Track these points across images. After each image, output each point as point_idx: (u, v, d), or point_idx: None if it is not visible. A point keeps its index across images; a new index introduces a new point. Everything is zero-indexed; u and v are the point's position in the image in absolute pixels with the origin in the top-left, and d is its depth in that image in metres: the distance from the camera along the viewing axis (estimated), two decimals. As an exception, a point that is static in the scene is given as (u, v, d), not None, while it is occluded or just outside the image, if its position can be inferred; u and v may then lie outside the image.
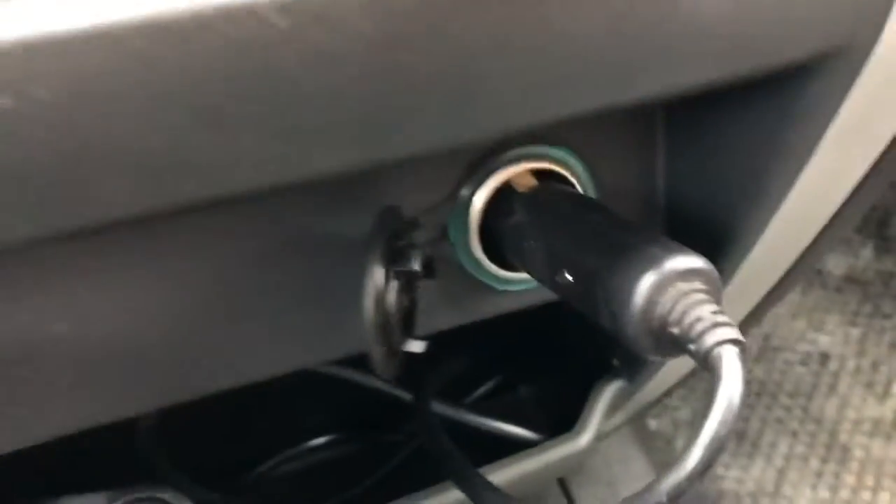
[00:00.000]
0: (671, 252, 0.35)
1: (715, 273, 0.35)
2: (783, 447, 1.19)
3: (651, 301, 0.34)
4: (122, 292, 0.39)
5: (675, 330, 0.34)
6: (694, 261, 0.35)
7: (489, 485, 0.39)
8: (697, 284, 0.35)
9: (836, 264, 1.48)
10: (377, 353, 0.36)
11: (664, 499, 0.32)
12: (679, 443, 1.22)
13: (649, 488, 0.32)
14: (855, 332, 1.36)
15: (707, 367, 0.33)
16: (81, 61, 0.23)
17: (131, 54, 0.23)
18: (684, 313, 0.34)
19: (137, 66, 0.23)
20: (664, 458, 1.16)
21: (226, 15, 0.24)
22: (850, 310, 1.42)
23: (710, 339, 0.32)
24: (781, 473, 1.16)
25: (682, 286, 0.34)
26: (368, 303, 0.35)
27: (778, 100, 0.38)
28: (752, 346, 1.36)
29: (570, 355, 0.66)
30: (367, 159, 0.28)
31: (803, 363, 1.30)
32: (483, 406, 0.68)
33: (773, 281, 0.49)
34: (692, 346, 0.33)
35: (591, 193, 0.46)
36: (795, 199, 0.41)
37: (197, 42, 0.24)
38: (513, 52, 0.27)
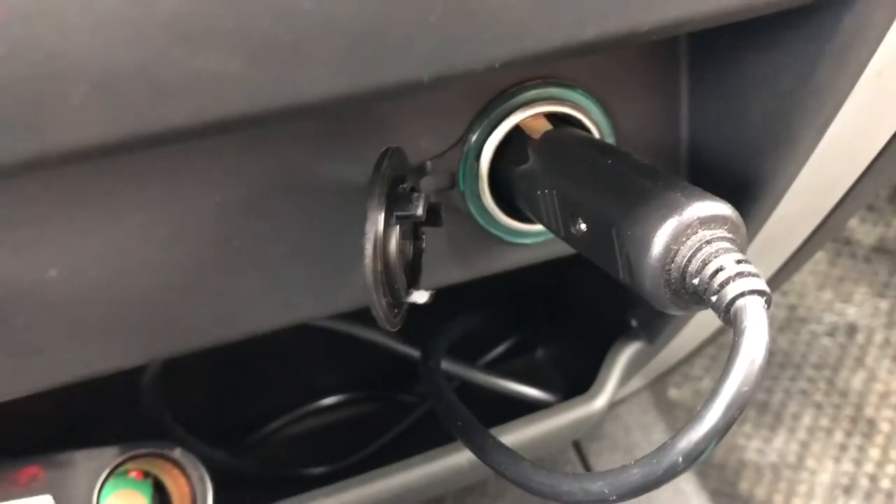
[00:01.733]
0: (693, 197, 0.32)
1: (740, 220, 0.33)
2: (807, 419, 1.17)
3: (670, 249, 0.32)
4: (114, 237, 0.37)
5: (696, 280, 0.32)
6: (717, 206, 0.32)
7: (498, 443, 0.37)
8: (721, 232, 0.32)
9: (865, 234, 1.44)
10: (378, 302, 0.34)
11: (679, 459, 0.30)
12: (700, 411, 1.21)
13: (663, 448, 0.30)
14: (884, 304, 1.33)
15: (728, 321, 0.30)
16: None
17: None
18: (705, 262, 0.31)
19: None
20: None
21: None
22: (879, 281, 1.39)
23: (732, 290, 0.30)
24: (804, 446, 1.15)
25: (704, 233, 0.32)
26: (368, 248, 0.33)
27: (810, 36, 0.35)
28: (778, 316, 1.33)
29: (587, 316, 0.64)
30: (351, 87, 0.25)
31: (829, 334, 1.27)
32: (497, 367, 0.66)
33: (801, 238, 0.47)
34: (713, 298, 0.31)
35: (609, 140, 0.43)
36: (827, 148, 0.38)
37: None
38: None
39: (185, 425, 0.60)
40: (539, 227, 0.44)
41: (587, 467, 0.81)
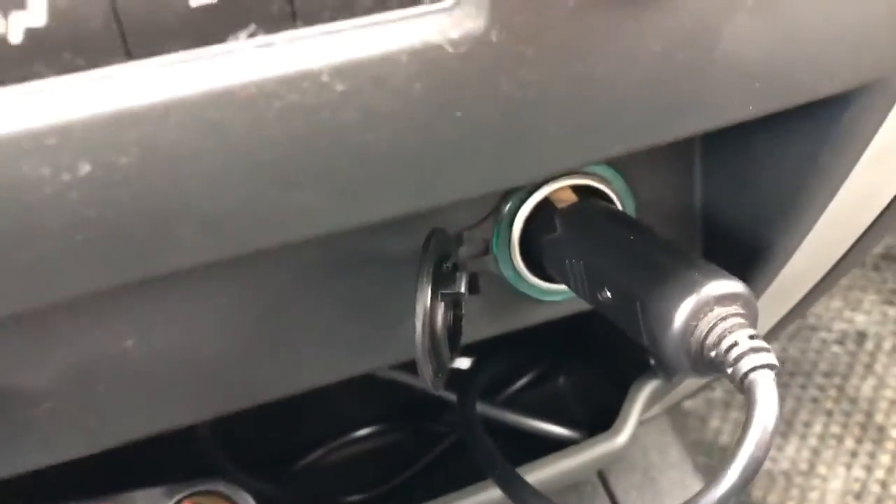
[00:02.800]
0: (710, 277, 0.36)
1: (752, 297, 0.37)
2: (818, 426, 1.19)
3: (690, 325, 0.36)
4: (184, 311, 0.41)
5: (713, 353, 0.35)
6: (732, 285, 0.36)
7: (533, 490, 0.41)
8: (735, 308, 0.36)
9: (873, 243, 1.45)
10: (427, 372, 0.38)
11: (703, 514, 0.34)
12: (713, 423, 1.23)
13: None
14: (892, 312, 1.34)
15: (743, 391, 0.34)
16: (158, 130, 0.25)
17: (204, 123, 0.25)
18: (721, 337, 0.35)
19: (209, 134, 0.25)
20: (698, 437, 1.17)
21: (287, 82, 0.25)
22: (887, 288, 1.40)
23: (746, 364, 0.34)
24: (815, 453, 1.17)
25: (720, 310, 0.36)
26: (419, 326, 0.37)
27: (814, 124, 0.38)
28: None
29: (607, 350, 0.68)
30: (419, 206, 0.29)
31: (839, 342, 1.29)
32: (521, 400, 0.70)
33: (805, 291, 0.50)
34: (729, 370, 0.35)
35: (630, 209, 0.47)
36: (829, 218, 0.42)
37: (262, 108, 0.25)
38: (558, 105, 0.28)
39: (230, 459, 0.64)
40: (565, 287, 0.48)
41: (606, 487, 0.85)
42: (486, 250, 0.47)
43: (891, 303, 1.37)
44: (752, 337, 0.35)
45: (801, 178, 0.40)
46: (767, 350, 0.34)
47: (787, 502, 1.15)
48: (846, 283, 1.40)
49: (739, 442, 0.33)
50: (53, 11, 0.23)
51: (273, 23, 0.24)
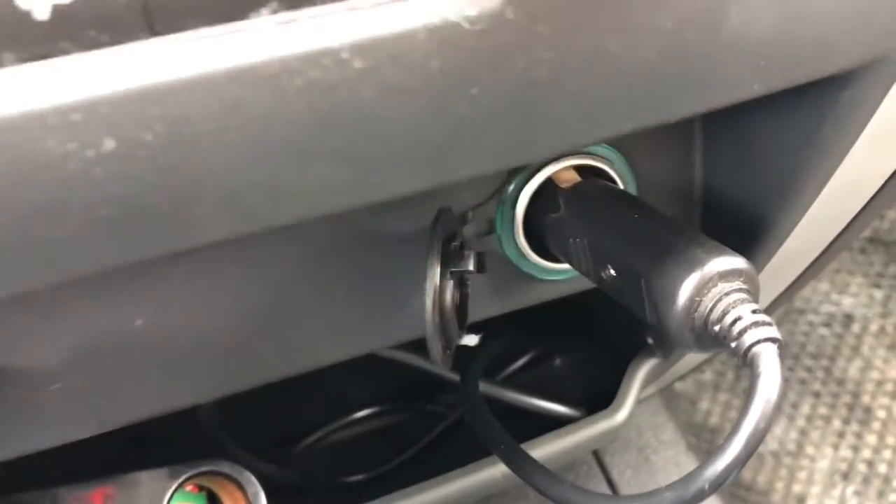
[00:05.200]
0: (713, 253, 0.37)
1: (754, 272, 0.37)
2: (805, 408, 1.21)
3: (694, 300, 0.37)
4: (193, 290, 0.42)
5: (717, 328, 0.36)
6: (734, 261, 0.37)
7: (540, 466, 0.42)
8: (737, 284, 0.37)
9: (860, 226, 1.46)
10: (437, 349, 0.38)
11: (706, 486, 0.35)
12: (703, 404, 1.24)
13: (692, 476, 0.35)
14: (878, 294, 1.36)
15: (746, 364, 0.35)
16: (181, 106, 0.25)
17: (227, 99, 0.25)
18: (725, 312, 0.36)
19: (233, 110, 0.25)
20: (688, 419, 1.18)
21: (309, 59, 0.26)
22: (874, 271, 1.41)
23: (749, 338, 0.35)
24: (804, 433, 1.18)
25: (724, 286, 0.37)
26: (428, 303, 0.37)
27: (813, 104, 0.39)
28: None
29: (604, 330, 0.69)
30: (435, 182, 0.30)
31: (826, 325, 1.31)
32: (520, 380, 0.71)
33: (803, 267, 0.51)
34: (732, 344, 0.35)
35: (631, 187, 0.48)
36: (827, 196, 0.43)
37: (283, 85, 0.26)
38: (571, 82, 0.29)
39: (232, 439, 0.65)
40: (568, 266, 0.49)
41: (602, 466, 0.86)
42: (490, 230, 0.47)
43: (877, 286, 1.38)
44: (754, 311, 0.36)
45: (801, 156, 0.41)
46: (770, 324, 0.35)
47: (776, 482, 1.15)
48: (833, 266, 1.41)
49: (744, 412, 0.34)
50: (82, -13, 0.23)
51: None
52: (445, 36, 0.26)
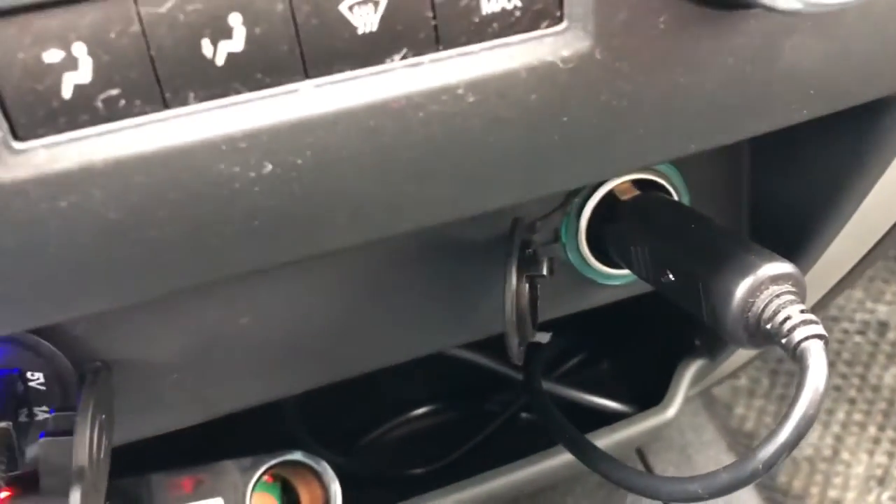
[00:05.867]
0: (764, 259, 0.41)
1: (801, 276, 0.42)
2: (841, 414, 1.22)
3: (748, 301, 0.41)
4: (293, 291, 0.47)
5: (768, 326, 0.41)
6: (784, 266, 0.41)
7: (604, 454, 0.47)
8: (787, 287, 0.41)
9: (895, 235, 1.47)
10: (513, 345, 0.43)
11: (760, 466, 0.39)
12: (738, 409, 1.26)
13: (748, 457, 0.39)
14: (914, 302, 1.36)
15: (796, 358, 0.39)
16: (327, 136, 0.30)
17: (363, 129, 0.30)
18: (776, 312, 0.40)
19: (367, 138, 0.30)
20: (724, 424, 1.21)
21: (430, 95, 0.31)
22: (909, 279, 1.42)
23: (798, 335, 0.39)
24: (839, 439, 1.20)
25: (775, 289, 0.41)
26: (508, 304, 0.42)
27: (855, 123, 0.43)
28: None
29: (652, 334, 0.73)
30: (528, 196, 0.35)
31: (861, 332, 1.32)
32: (572, 379, 0.75)
33: (841, 275, 0.56)
34: (783, 340, 0.40)
35: (685, 198, 0.52)
36: (869, 206, 0.47)
37: (409, 117, 0.31)
38: (646, 110, 0.34)
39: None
40: (626, 271, 0.53)
41: (645, 463, 0.90)
42: (555, 238, 0.52)
43: (912, 294, 1.38)
44: (802, 311, 0.40)
45: (842, 170, 0.45)
46: (817, 322, 0.40)
47: (811, 487, 1.14)
48: (868, 274, 1.42)
49: (794, 400, 0.38)
50: (250, 39, 0.28)
51: (421, 46, 0.30)
52: (543, 73, 0.31)
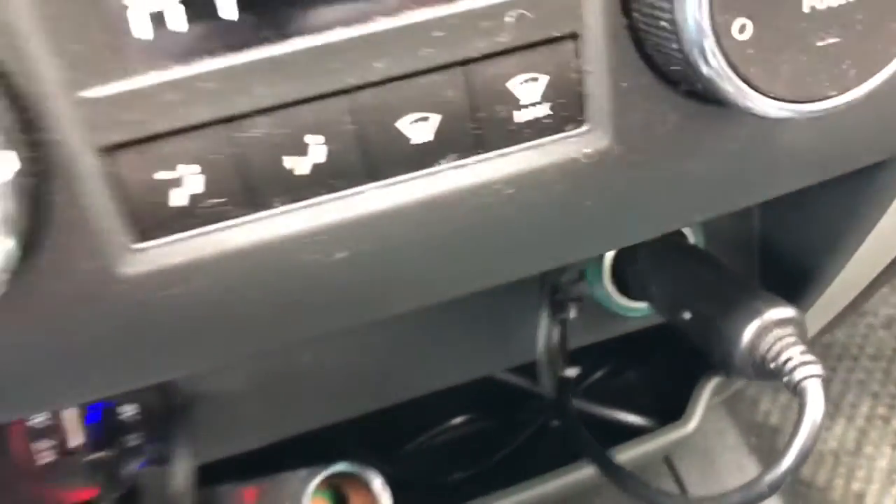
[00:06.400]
0: (770, 304, 0.47)
1: (803, 318, 0.47)
2: (864, 408, 1.23)
3: (754, 343, 0.47)
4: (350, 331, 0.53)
5: (772, 364, 0.46)
6: (787, 311, 0.47)
7: (629, 473, 0.52)
8: (789, 329, 0.47)
9: (919, 230, 1.47)
10: (546, 381, 0.49)
11: (766, 488, 0.45)
12: (763, 405, 1.28)
13: (755, 481, 0.45)
14: (938, 297, 1.37)
15: (796, 394, 0.45)
16: (388, 227, 0.36)
17: (417, 220, 0.36)
18: (779, 352, 0.46)
19: (420, 227, 0.36)
20: (750, 419, 1.23)
21: (474, 190, 0.36)
22: (933, 274, 1.41)
23: (798, 374, 0.45)
24: (863, 433, 1.21)
25: (778, 332, 0.46)
26: (541, 345, 0.48)
27: (854, 177, 0.48)
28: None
29: (671, 349, 0.79)
30: (556, 265, 0.41)
31: (885, 327, 1.33)
32: (596, 391, 0.80)
33: (846, 304, 0.61)
34: (785, 378, 0.45)
35: (700, 240, 0.58)
36: (868, 248, 0.52)
37: (455, 208, 0.36)
38: (659, 192, 0.39)
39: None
40: (646, 304, 0.59)
41: (672, 468, 0.95)
42: (581, 277, 0.58)
43: (936, 288, 1.38)
44: (803, 352, 0.45)
45: (843, 215, 0.51)
46: (816, 363, 0.45)
47: (835, 480, 1.15)
48: (894, 269, 1.42)
49: (794, 434, 0.44)
50: (329, 153, 0.34)
51: (466, 150, 0.35)
52: (568, 168, 0.37)
